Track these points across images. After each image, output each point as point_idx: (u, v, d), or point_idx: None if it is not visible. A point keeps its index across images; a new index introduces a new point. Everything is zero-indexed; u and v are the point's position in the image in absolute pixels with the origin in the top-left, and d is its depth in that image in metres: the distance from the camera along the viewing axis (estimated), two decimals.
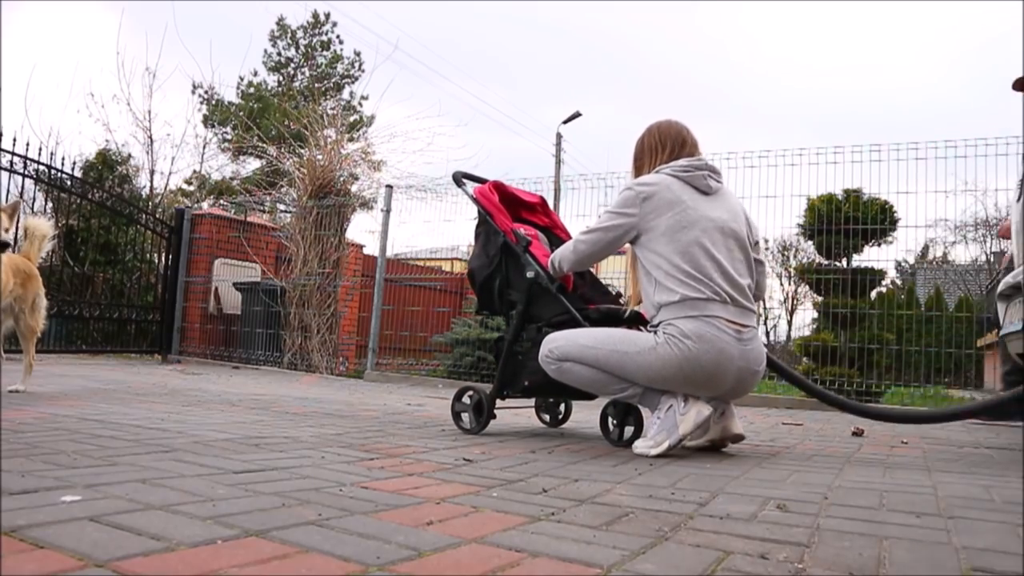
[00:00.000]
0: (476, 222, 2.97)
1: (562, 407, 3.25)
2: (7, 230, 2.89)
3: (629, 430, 2.54)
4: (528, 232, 2.92)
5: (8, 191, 6.66)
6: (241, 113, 17.48)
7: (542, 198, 3.23)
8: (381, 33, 28.15)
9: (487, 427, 2.77)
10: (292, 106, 12.29)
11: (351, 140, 9.86)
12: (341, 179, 7.95)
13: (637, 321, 2.60)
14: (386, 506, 1.36)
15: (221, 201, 13.59)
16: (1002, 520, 1.46)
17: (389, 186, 7.52)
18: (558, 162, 21.85)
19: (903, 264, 22.29)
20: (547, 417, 3.25)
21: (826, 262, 7.31)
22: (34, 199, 7.39)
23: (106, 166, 10.41)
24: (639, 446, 2.33)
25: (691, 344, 2.24)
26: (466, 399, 2.83)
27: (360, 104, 21.22)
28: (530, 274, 2.71)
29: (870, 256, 7.15)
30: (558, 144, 22.16)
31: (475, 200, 2.95)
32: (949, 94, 54.11)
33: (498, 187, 3.03)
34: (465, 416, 2.82)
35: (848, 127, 48.50)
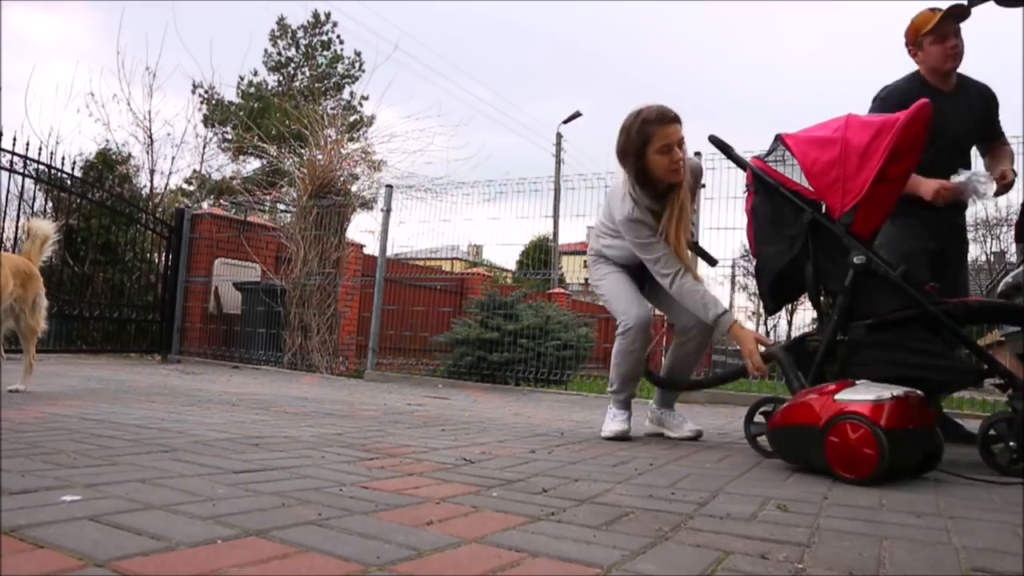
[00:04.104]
0: (748, 192, 2.55)
1: None
2: None
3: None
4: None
5: (8, 191, 6.67)
6: (241, 113, 17.46)
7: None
8: (381, 33, 28.03)
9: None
10: (292, 106, 12.27)
11: (351, 140, 9.86)
12: (341, 179, 7.95)
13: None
14: (386, 506, 1.36)
15: (221, 201, 13.59)
16: (1002, 520, 1.46)
17: (389, 186, 7.52)
18: (558, 162, 21.86)
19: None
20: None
21: None
22: (34, 199, 7.38)
23: (106, 166, 10.39)
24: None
25: None
26: (760, 417, 2.43)
27: (360, 104, 21.19)
28: (858, 259, 2.26)
29: None
30: (558, 144, 22.16)
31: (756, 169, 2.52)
32: None
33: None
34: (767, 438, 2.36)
35: None
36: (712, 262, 3.11)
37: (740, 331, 2.55)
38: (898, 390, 1.97)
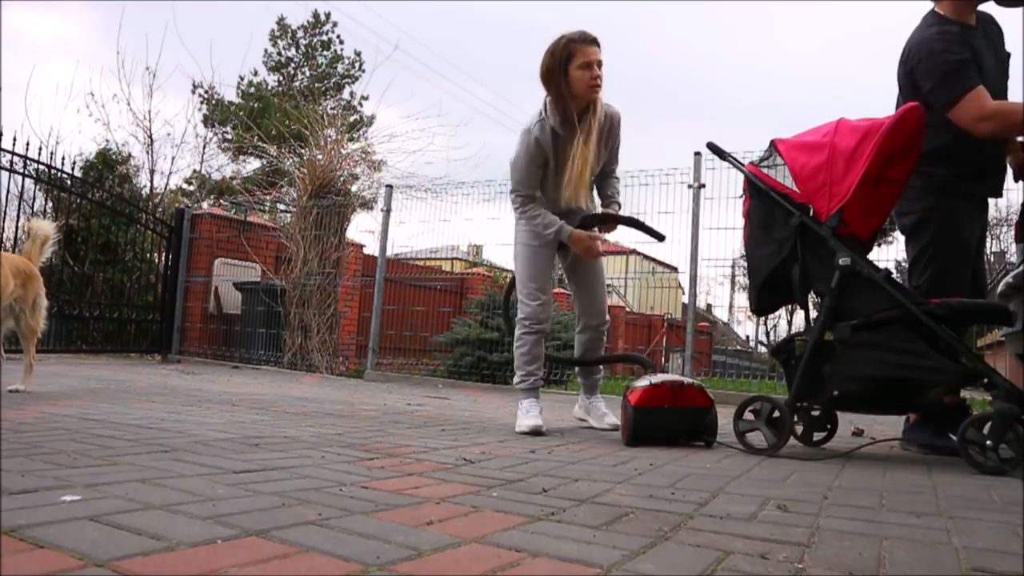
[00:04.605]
0: (744, 197, 2.61)
1: (828, 423, 2.75)
2: None
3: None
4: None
5: (8, 191, 6.67)
6: (241, 113, 17.46)
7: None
8: (381, 33, 28.02)
9: (784, 445, 2.41)
10: (292, 106, 12.27)
11: (351, 140, 9.86)
12: (341, 179, 7.95)
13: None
14: (386, 506, 1.36)
15: (221, 201, 13.59)
16: (1002, 520, 1.46)
17: (389, 186, 7.52)
18: None
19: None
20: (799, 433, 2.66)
21: None
22: (34, 199, 7.38)
23: (106, 166, 10.39)
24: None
25: None
26: (749, 415, 2.49)
27: (360, 104, 21.18)
28: (844, 261, 2.31)
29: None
30: None
31: (748, 173, 2.58)
32: None
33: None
34: (756, 434, 2.43)
35: None
36: (659, 238, 3.16)
37: (575, 234, 2.88)
38: (672, 379, 2.58)
